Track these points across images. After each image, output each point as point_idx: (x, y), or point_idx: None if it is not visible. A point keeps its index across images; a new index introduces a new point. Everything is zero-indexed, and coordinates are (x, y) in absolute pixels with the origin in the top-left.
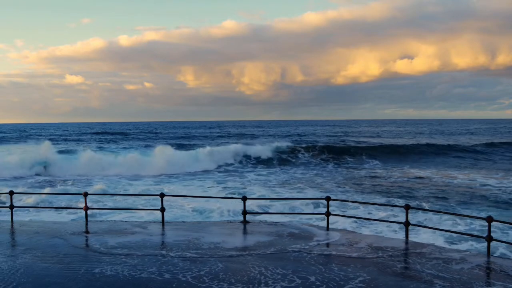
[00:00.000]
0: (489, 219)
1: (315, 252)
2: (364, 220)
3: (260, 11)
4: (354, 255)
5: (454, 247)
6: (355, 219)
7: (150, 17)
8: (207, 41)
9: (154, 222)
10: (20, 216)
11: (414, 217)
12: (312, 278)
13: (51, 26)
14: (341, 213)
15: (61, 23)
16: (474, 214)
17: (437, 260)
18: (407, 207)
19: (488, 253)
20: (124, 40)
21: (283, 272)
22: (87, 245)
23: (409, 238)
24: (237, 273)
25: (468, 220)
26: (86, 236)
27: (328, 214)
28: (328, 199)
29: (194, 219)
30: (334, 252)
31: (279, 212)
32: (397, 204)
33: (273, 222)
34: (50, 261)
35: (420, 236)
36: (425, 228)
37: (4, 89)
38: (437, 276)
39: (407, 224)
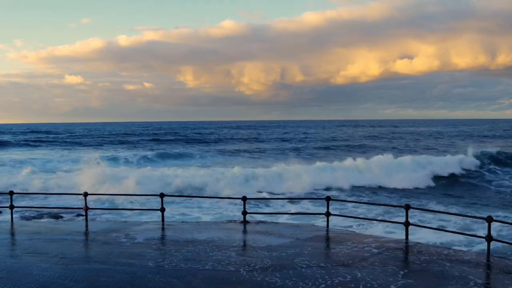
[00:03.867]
0: (489, 219)
1: (323, 250)
2: (364, 220)
3: (260, 11)
4: (366, 254)
5: (455, 247)
6: (355, 219)
7: (149, 17)
8: (206, 41)
9: (155, 221)
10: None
11: (415, 217)
12: (359, 274)
13: (50, 26)
14: (342, 213)
15: (61, 23)
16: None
17: (446, 259)
18: (407, 207)
19: (488, 252)
20: (123, 40)
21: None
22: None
23: (409, 238)
24: (283, 267)
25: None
26: (110, 235)
27: (328, 214)
28: (328, 199)
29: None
30: (345, 251)
31: (279, 212)
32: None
33: (273, 222)
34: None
35: (421, 236)
36: (425, 228)
37: (3, 89)
38: (455, 274)
39: (407, 224)
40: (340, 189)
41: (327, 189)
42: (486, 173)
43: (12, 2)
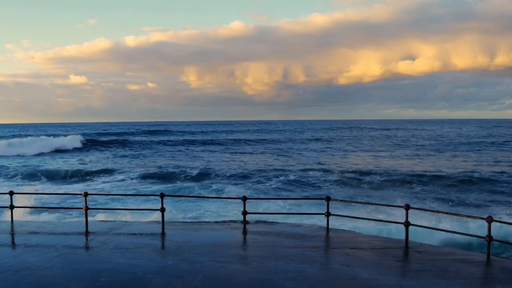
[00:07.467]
0: (489, 219)
1: (323, 250)
2: (364, 220)
3: (267, 13)
4: (366, 253)
5: (455, 247)
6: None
7: (156, 18)
8: (213, 42)
9: (155, 221)
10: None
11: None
12: (359, 274)
13: (57, 26)
14: (341, 213)
15: (68, 24)
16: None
17: (446, 259)
18: (407, 207)
19: (488, 252)
20: (130, 41)
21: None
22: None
23: (409, 238)
24: (283, 267)
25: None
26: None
27: (328, 214)
28: (328, 199)
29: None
30: (345, 251)
31: (279, 212)
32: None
33: (273, 222)
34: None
35: (420, 236)
36: (425, 228)
37: (7, 89)
38: (455, 273)
39: (407, 224)
40: None
41: None
42: None
43: (19, 2)
